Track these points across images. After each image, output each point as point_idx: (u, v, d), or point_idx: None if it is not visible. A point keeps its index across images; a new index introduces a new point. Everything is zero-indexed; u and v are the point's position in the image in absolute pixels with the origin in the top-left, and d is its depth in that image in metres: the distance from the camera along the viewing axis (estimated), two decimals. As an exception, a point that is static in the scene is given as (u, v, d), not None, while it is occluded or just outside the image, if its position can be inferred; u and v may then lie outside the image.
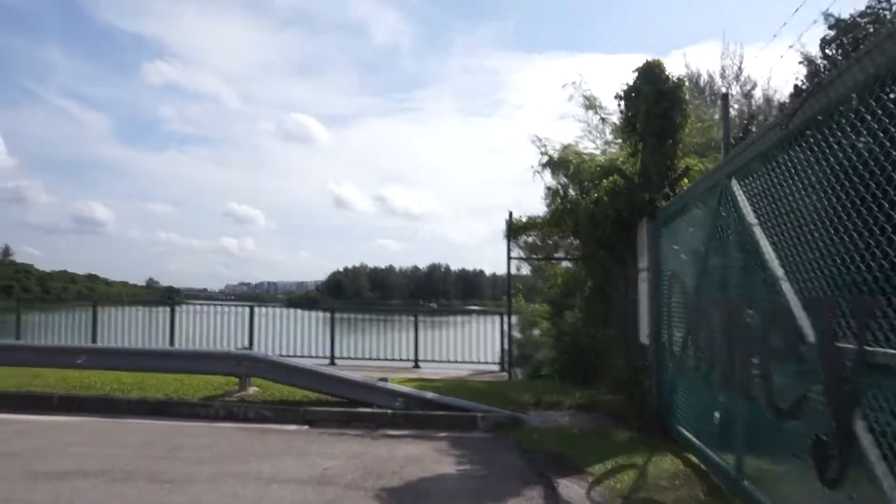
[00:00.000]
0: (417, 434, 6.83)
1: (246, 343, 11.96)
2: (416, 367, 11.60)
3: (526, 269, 14.22)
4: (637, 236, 7.39)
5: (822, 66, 13.11)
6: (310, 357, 11.67)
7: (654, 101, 7.07)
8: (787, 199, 3.37)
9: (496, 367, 11.62)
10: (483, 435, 6.91)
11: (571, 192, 10.71)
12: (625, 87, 7.51)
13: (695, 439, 5.47)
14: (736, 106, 15.87)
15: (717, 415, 4.90)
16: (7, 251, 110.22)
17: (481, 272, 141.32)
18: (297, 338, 11.95)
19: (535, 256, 12.12)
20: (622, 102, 7.60)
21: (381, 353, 11.75)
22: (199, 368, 7.99)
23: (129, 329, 12.46)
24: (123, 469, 5.07)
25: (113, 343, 11.79)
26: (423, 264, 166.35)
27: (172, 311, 12.27)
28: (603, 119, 10.90)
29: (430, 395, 7.64)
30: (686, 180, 7.21)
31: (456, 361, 11.60)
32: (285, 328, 12.11)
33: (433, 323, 13.21)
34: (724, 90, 16.79)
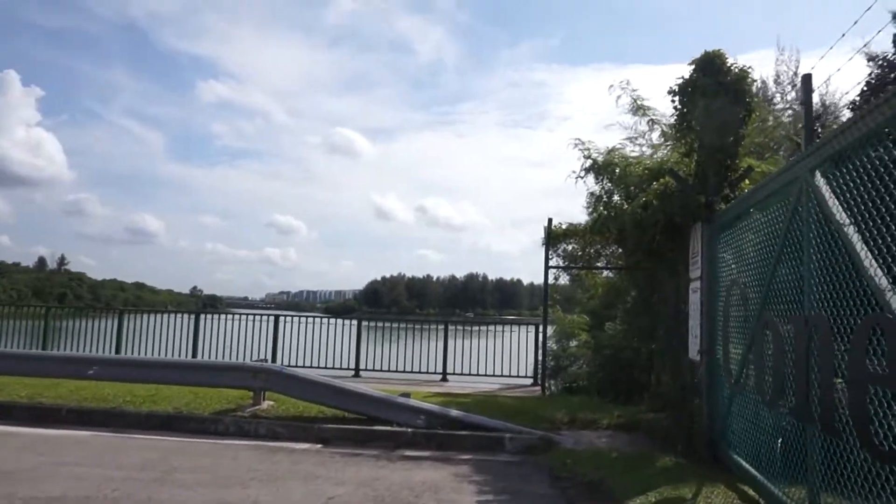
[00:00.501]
0: (439, 456, 6.19)
1: (269, 354, 11.54)
2: (444, 380, 10.96)
3: (564, 279, 13.51)
4: (690, 243, 6.63)
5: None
6: (334, 369, 11.17)
7: (714, 94, 6.31)
8: None
9: (529, 382, 10.88)
10: (511, 458, 6.23)
11: (616, 197, 9.96)
12: (680, 81, 6.77)
13: (752, 469, 4.71)
14: (790, 112, 14.75)
15: (779, 442, 4.19)
16: (63, 260, 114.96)
17: (519, 282, 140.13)
18: (322, 348, 11.45)
19: (574, 265, 11.36)
20: (676, 98, 6.84)
21: (408, 365, 11.14)
22: (211, 381, 7.54)
23: (154, 337, 12.14)
24: (109, 496, 4.58)
25: (133, 353, 11.54)
26: (461, 274, 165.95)
27: (197, 320, 11.93)
28: (652, 121, 10.01)
29: (454, 412, 7.00)
30: (747, 181, 6.44)
31: (486, 375, 10.91)
32: (312, 338, 11.62)
33: (465, 332, 12.56)
34: (784, 90, 15.73)
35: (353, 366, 11.30)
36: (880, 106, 2.83)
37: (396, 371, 11.08)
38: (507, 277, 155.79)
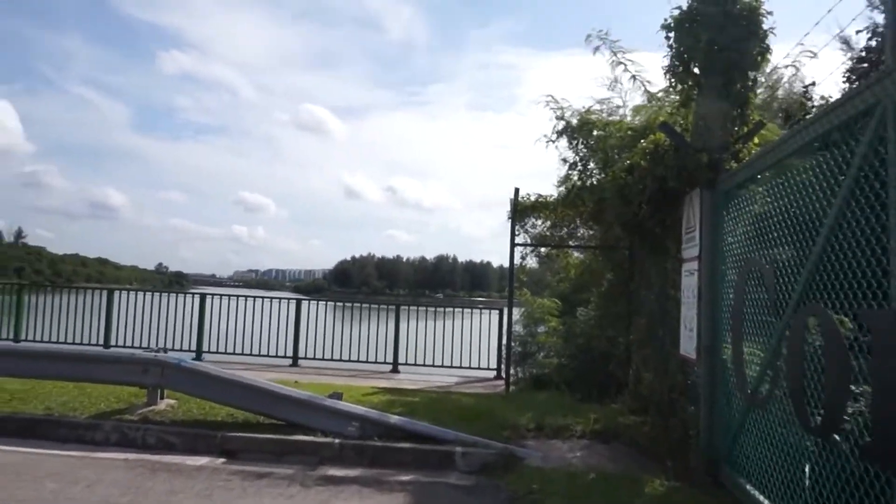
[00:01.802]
0: (370, 478, 4.86)
1: (194, 340, 10.03)
2: (395, 371, 9.62)
3: (533, 262, 12.28)
4: (684, 214, 5.37)
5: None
6: (269, 357, 9.75)
7: (721, 27, 5.01)
8: None
9: (492, 374, 9.61)
10: (462, 481, 4.92)
11: (592, 165, 8.68)
12: (676, 13, 5.40)
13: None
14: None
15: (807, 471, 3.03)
16: (20, 233, 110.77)
17: (488, 264, 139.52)
18: (258, 333, 9.97)
19: (543, 244, 10.08)
20: (672, 35, 5.46)
21: (354, 353, 9.74)
22: (89, 376, 6.05)
23: (68, 318, 10.45)
24: None
25: (38, 336, 9.93)
26: (431, 255, 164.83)
27: (110, 298, 10.30)
28: (634, 77, 8.57)
29: (394, 419, 5.66)
30: (756, 140, 5.18)
31: (443, 366, 9.60)
32: (247, 322, 10.11)
33: (426, 314, 11.15)
34: None
35: (292, 353, 9.86)
36: None
37: (341, 360, 9.69)
38: (477, 259, 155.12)
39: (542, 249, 10.25)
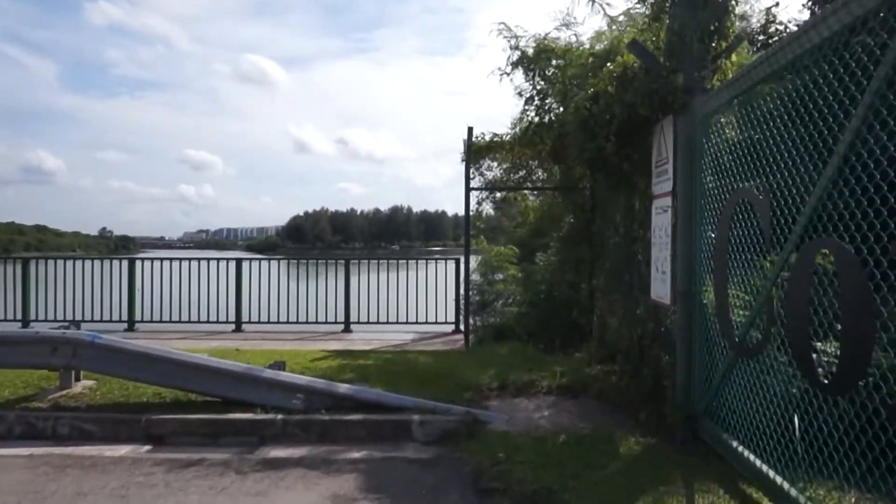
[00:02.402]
0: (317, 457, 4.32)
1: (124, 310, 9.17)
2: (347, 330, 9.01)
3: (489, 209, 11.75)
4: (655, 145, 4.83)
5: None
6: (210, 323, 9.00)
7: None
8: None
9: (450, 329, 9.12)
10: (420, 454, 4.43)
11: (551, 99, 8.03)
12: None
13: (767, 468, 3.15)
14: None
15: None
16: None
17: (443, 213, 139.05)
18: (197, 298, 9.16)
19: (500, 186, 9.49)
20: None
21: (303, 314, 9.07)
22: (-13, 360, 5.23)
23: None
24: None
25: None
26: (385, 207, 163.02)
27: (25, 267, 9.25)
28: (593, 1, 7.81)
29: (343, 388, 5.10)
30: (733, 58, 4.62)
31: (399, 322, 9.04)
32: (183, 285, 9.28)
33: (373, 269, 10.49)
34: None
35: (235, 318, 9.12)
36: None
37: (290, 322, 9.03)
38: (432, 209, 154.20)
39: (499, 194, 9.66)
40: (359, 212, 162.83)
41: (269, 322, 9.00)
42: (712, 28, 4.45)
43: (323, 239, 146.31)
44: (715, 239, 3.86)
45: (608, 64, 5.35)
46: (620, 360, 5.68)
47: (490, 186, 9.31)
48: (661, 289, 4.75)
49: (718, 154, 3.92)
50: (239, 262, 9.36)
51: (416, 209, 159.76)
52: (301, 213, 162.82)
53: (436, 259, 9.84)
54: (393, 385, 5.36)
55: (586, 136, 5.45)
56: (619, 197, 6.06)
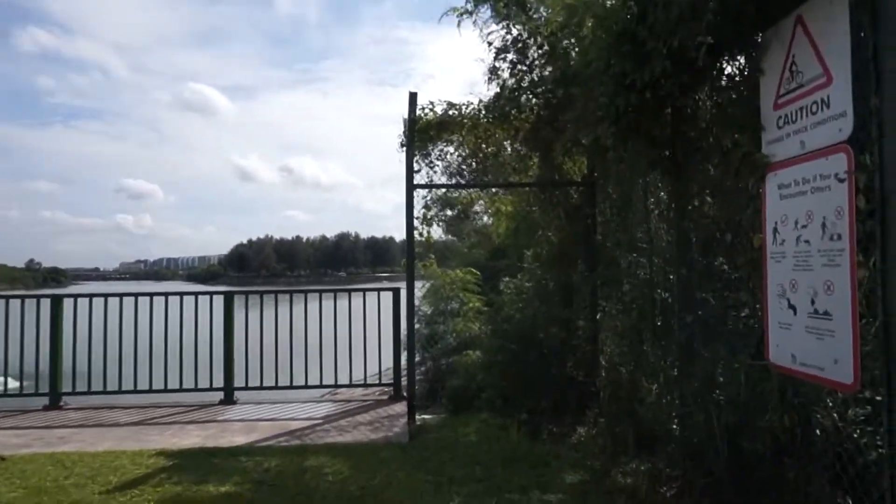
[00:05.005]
0: None
1: None
2: (229, 401, 5.85)
3: (439, 232, 9.07)
4: (777, 60, 2.13)
5: None
6: (15, 397, 5.74)
7: None
8: None
9: (386, 393, 6.14)
10: None
11: (534, 51, 5.31)
12: None
13: None
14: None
15: None
16: None
17: (391, 239, 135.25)
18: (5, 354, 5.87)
19: (458, 185, 6.71)
20: None
21: (159, 377, 5.86)
22: None
23: None
24: None
25: None
26: (332, 234, 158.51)
27: None
28: None
29: None
30: None
31: (307, 387, 5.99)
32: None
33: (289, 301, 7.15)
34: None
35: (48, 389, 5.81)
36: None
37: (135, 392, 5.83)
38: (380, 235, 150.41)
39: (457, 192, 6.91)
40: (305, 239, 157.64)
41: (104, 391, 5.77)
42: None
43: (267, 267, 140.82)
44: None
45: None
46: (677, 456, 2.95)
47: (442, 184, 6.45)
48: (804, 345, 2.04)
49: None
50: (55, 298, 5.96)
51: (364, 235, 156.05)
52: (245, 241, 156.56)
53: (376, 290, 6.72)
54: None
55: (630, 67, 2.76)
56: (671, 179, 3.38)
